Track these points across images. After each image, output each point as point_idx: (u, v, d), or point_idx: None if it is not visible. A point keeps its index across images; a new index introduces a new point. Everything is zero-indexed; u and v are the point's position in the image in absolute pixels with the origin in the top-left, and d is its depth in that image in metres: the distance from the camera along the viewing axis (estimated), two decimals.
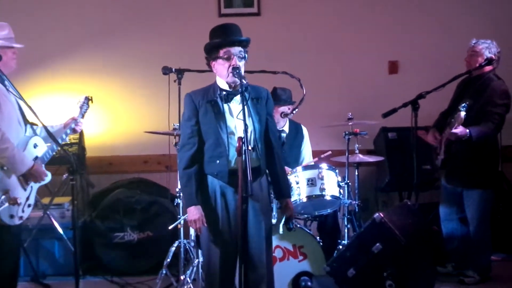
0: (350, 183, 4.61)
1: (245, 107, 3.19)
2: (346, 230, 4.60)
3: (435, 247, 4.28)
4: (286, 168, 4.54)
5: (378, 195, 5.82)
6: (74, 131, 3.93)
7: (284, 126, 4.80)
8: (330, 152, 4.78)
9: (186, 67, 4.50)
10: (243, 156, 3.04)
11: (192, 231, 4.46)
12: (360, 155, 4.71)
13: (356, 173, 4.74)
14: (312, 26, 5.82)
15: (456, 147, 4.52)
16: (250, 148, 3.12)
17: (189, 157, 3.38)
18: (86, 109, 4.04)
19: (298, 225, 4.37)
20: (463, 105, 4.31)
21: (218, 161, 3.34)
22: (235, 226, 3.32)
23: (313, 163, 4.64)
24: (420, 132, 4.59)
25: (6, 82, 3.53)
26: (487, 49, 4.51)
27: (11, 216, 3.45)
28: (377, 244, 3.68)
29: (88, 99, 4.05)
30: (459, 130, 4.31)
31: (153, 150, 5.59)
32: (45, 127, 3.50)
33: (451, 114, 4.57)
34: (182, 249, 4.46)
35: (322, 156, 4.76)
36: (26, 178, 3.52)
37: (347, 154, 4.65)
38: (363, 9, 5.83)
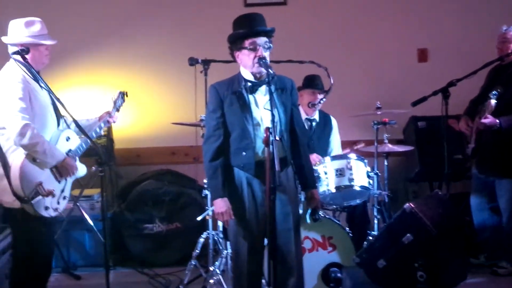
0: (379, 173, 4.55)
1: (272, 97, 3.16)
2: (375, 221, 4.55)
3: (466, 238, 4.20)
4: (316, 155, 4.52)
5: (408, 186, 5.76)
6: (108, 123, 3.96)
7: (314, 115, 4.76)
8: (363, 144, 4.73)
9: (212, 57, 4.48)
10: (270, 146, 3.01)
11: (220, 223, 4.46)
12: (389, 145, 4.65)
13: (386, 163, 4.69)
14: (339, 14, 5.76)
15: (487, 136, 4.43)
16: (277, 138, 3.09)
17: (214, 150, 3.36)
18: (121, 104, 4.08)
19: (327, 216, 4.33)
20: (493, 92, 4.23)
21: (244, 153, 3.33)
22: (262, 218, 3.31)
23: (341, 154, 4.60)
24: (451, 121, 4.52)
25: (38, 77, 3.56)
26: None
27: (46, 208, 3.49)
28: (408, 234, 3.63)
29: (122, 94, 4.09)
30: (488, 120, 4.23)
31: (180, 141, 5.60)
32: (74, 120, 3.52)
33: (481, 102, 4.48)
34: (210, 241, 4.47)
35: (356, 147, 4.72)
36: (59, 170, 3.55)
37: (376, 144, 4.59)
38: None
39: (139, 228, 5.11)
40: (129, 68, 5.74)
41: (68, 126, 3.73)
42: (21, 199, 3.39)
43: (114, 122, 4.02)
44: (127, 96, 4.10)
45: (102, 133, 4.01)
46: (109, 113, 3.96)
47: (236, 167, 3.37)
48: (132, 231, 5.12)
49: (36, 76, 3.53)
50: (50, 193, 3.47)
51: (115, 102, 4.03)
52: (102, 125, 3.92)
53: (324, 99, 4.56)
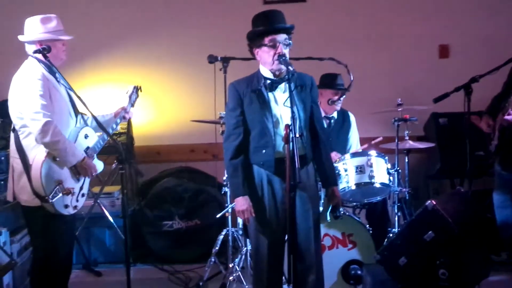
0: (400, 170, 4.52)
1: (292, 94, 3.15)
2: (396, 218, 4.52)
3: (489, 235, 4.16)
4: (335, 153, 4.50)
5: (429, 183, 5.71)
6: (124, 119, 3.97)
7: (332, 113, 4.74)
8: (381, 138, 4.70)
9: (231, 55, 4.48)
10: (291, 144, 3.00)
11: (239, 220, 4.46)
12: (410, 142, 4.61)
13: (406, 160, 4.65)
14: (359, 10, 5.73)
15: (511, 133, 4.37)
16: (297, 135, 3.08)
17: (234, 148, 3.37)
18: (135, 98, 4.08)
19: (347, 213, 4.31)
20: None
21: (264, 151, 3.32)
22: (282, 215, 3.30)
23: (361, 150, 4.57)
24: (473, 117, 4.45)
25: (57, 74, 3.58)
26: None
27: (66, 206, 3.51)
28: (429, 232, 3.60)
29: (137, 89, 4.08)
30: (511, 117, 4.17)
31: (199, 139, 5.61)
32: (94, 117, 3.53)
33: (504, 98, 4.41)
34: (230, 238, 4.47)
35: (373, 142, 4.69)
36: (77, 169, 3.57)
37: (396, 140, 4.56)
38: None
39: (159, 225, 5.13)
40: (149, 66, 5.76)
41: (86, 124, 3.74)
42: (42, 198, 3.41)
43: (130, 117, 4.03)
44: (141, 90, 4.10)
45: (119, 129, 4.02)
46: (124, 109, 3.96)
47: (256, 165, 3.37)
48: (152, 228, 5.15)
49: (56, 73, 3.55)
50: (70, 192, 3.49)
51: (130, 97, 4.03)
52: (118, 121, 3.93)
53: (344, 96, 4.54)
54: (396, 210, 4.53)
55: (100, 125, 3.56)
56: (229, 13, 5.66)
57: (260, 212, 3.37)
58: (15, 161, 3.53)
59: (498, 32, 5.52)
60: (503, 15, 5.57)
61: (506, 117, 4.20)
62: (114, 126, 3.91)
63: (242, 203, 3.34)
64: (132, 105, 4.04)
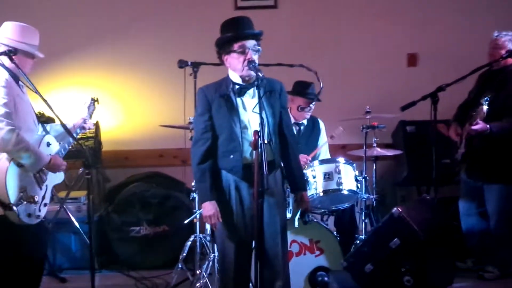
0: (367, 177, 4.55)
1: (261, 100, 3.15)
2: (363, 225, 4.55)
3: (454, 242, 4.21)
4: (304, 156, 4.50)
5: (396, 190, 5.76)
6: (83, 129, 3.94)
7: (302, 120, 4.76)
8: (341, 129, 4.67)
9: (202, 60, 4.46)
10: (259, 149, 3.00)
11: (208, 226, 4.44)
12: (378, 149, 4.65)
13: (374, 167, 4.69)
14: (329, 18, 5.76)
15: (477, 141, 4.44)
16: (266, 141, 3.08)
17: (202, 153, 3.36)
18: (93, 110, 4.06)
19: (315, 220, 4.33)
20: (485, 98, 4.24)
21: (232, 156, 3.32)
22: (249, 221, 3.30)
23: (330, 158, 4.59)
24: (440, 125, 4.52)
25: (24, 79, 3.50)
26: (510, 41, 4.41)
27: (29, 215, 3.44)
28: (395, 239, 3.63)
29: (94, 100, 4.07)
30: (479, 126, 4.24)
31: (169, 144, 5.58)
32: (63, 125, 3.49)
33: (472, 107, 4.49)
34: (198, 244, 4.45)
35: (334, 134, 4.66)
36: (45, 172, 3.52)
37: (364, 148, 4.60)
38: (382, 1, 5.76)
39: (126, 230, 5.08)
40: (118, 70, 5.70)
41: (47, 131, 3.69)
42: (5, 206, 3.33)
43: (89, 128, 4.00)
44: (98, 102, 4.08)
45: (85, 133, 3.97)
46: (84, 120, 3.92)
47: (223, 170, 3.36)
48: (119, 233, 5.09)
49: (18, 80, 3.49)
50: (33, 200, 3.43)
51: (88, 108, 4.02)
52: (78, 131, 3.90)
53: (313, 103, 4.56)
54: (363, 217, 4.57)
55: (67, 131, 3.52)
56: (200, 18, 5.64)
57: (227, 217, 3.36)
58: None
59: (465, 42, 5.59)
60: (470, 25, 5.65)
61: (474, 126, 4.26)
62: (75, 136, 3.86)
63: (209, 208, 3.33)
64: (90, 116, 4.02)
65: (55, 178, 3.67)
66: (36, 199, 3.46)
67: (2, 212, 3.36)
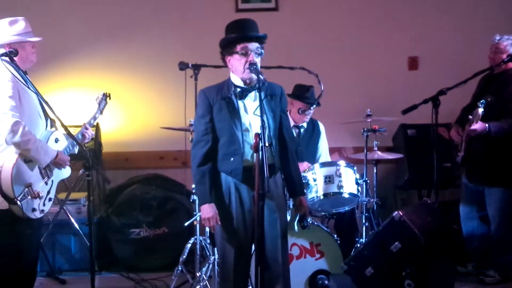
0: (368, 181, 4.55)
1: (262, 102, 3.15)
2: (364, 228, 4.54)
3: (455, 246, 4.21)
4: (306, 163, 4.50)
5: (397, 193, 5.76)
6: (83, 136, 3.88)
7: (302, 123, 4.76)
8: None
9: (202, 62, 4.46)
10: (260, 152, 3.00)
11: (207, 228, 4.43)
12: (379, 152, 4.64)
13: (375, 171, 4.68)
14: (331, 21, 5.76)
15: (477, 145, 4.44)
16: (267, 144, 3.07)
17: (202, 155, 3.35)
18: (104, 105, 4.04)
19: (315, 223, 4.32)
20: (481, 101, 4.25)
21: (232, 159, 3.31)
22: (249, 224, 3.30)
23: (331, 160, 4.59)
24: (441, 129, 4.53)
25: (25, 78, 3.51)
26: (511, 45, 4.42)
27: (33, 210, 3.46)
28: (396, 243, 3.63)
29: (106, 95, 4.05)
30: (477, 126, 4.25)
31: (169, 146, 5.57)
32: (63, 125, 3.49)
33: (471, 110, 4.49)
34: (198, 246, 4.43)
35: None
36: (51, 168, 3.52)
37: (365, 151, 4.59)
38: (382, 5, 5.76)
39: (126, 232, 5.07)
40: (119, 72, 5.71)
41: (56, 128, 3.69)
42: (10, 200, 3.35)
43: (88, 136, 3.90)
44: (110, 98, 4.07)
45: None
46: (85, 127, 3.89)
47: (224, 173, 3.35)
48: (119, 235, 5.08)
49: (24, 77, 3.50)
50: (38, 195, 3.44)
51: (99, 104, 4.00)
52: (79, 136, 3.87)
53: (314, 106, 4.55)
54: (364, 220, 4.55)
55: (68, 132, 3.52)
56: (201, 20, 5.65)
57: (227, 220, 3.34)
58: None
59: (466, 45, 5.60)
60: (471, 29, 5.66)
61: (472, 126, 4.26)
62: (71, 146, 3.86)
63: (207, 210, 3.32)
64: (101, 112, 4.01)
65: (61, 173, 3.67)
66: (41, 195, 3.47)
67: (7, 206, 3.37)
